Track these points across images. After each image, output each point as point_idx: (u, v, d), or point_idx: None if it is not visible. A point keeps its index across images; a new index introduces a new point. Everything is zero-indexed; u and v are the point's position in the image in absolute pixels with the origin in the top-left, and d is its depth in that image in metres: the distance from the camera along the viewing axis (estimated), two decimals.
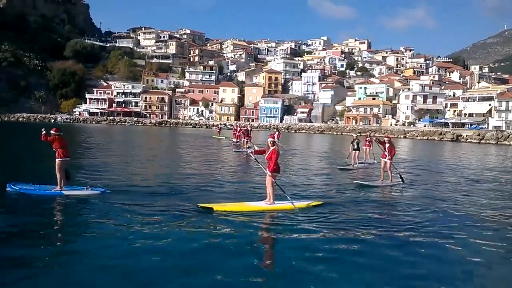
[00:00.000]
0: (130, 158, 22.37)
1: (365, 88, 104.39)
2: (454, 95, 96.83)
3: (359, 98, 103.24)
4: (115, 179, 13.85)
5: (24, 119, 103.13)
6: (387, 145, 15.00)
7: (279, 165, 10.35)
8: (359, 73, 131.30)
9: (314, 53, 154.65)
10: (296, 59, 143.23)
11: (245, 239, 7.66)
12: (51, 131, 10.92)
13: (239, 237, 7.75)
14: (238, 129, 35.51)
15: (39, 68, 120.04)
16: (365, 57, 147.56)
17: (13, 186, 11.23)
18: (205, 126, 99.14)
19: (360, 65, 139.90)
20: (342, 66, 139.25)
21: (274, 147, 10.28)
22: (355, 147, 20.66)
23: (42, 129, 11.07)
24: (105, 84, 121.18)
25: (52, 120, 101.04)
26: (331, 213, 9.82)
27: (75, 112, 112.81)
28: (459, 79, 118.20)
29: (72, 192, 11.06)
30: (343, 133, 78.96)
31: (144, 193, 11.47)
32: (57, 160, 10.97)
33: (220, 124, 72.34)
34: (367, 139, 23.52)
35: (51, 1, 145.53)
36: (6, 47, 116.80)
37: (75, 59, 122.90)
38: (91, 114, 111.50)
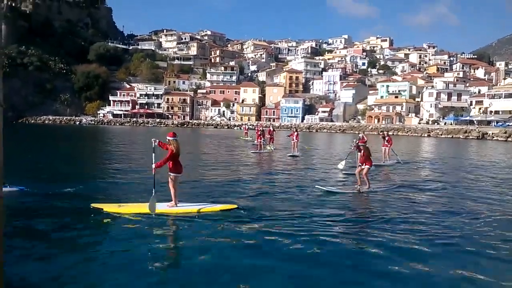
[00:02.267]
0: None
1: (387, 86, 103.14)
2: (479, 92, 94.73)
3: (381, 97, 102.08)
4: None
5: (50, 122, 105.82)
6: (362, 150, 13.83)
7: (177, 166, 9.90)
8: (381, 71, 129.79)
9: (335, 52, 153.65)
10: (317, 58, 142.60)
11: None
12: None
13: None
14: (260, 129, 35.42)
15: (64, 71, 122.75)
16: (387, 55, 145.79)
17: None
18: (226, 127, 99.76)
19: (382, 63, 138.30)
20: (363, 64, 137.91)
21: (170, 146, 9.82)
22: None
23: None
24: (128, 86, 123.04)
25: (77, 122, 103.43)
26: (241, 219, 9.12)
27: (99, 114, 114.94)
28: (484, 75, 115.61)
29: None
30: (365, 132, 78.36)
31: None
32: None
33: (248, 125, 71.48)
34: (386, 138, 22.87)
35: (76, 6, 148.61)
36: (32, 51, 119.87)
37: (99, 62, 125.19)
38: (115, 116, 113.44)
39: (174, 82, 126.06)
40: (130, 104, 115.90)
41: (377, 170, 18.49)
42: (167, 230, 8.42)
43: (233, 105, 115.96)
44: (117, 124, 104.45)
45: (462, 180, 16.39)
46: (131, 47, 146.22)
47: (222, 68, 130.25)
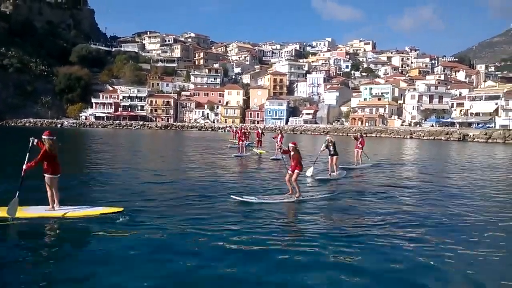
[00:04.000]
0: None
1: (371, 88, 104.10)
2: (460, 94, 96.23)
3: (365, 99, 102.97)
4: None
5: (31, 124, 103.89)
6: (292, 153, 12.27)
7: None
8: (364, 74, 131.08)
9: (319, 55, 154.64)
10: (301, 60, 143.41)
11: None
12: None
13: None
14: (236, 130, 35.07)
15: (46, 73, 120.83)
16: (370, 58, 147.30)
17: None
18: (210, 129, 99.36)
19: (365, 66, 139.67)
20: (347, 67, 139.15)
21: None
22: (332, 151, 17.35)
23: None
24: (111, 88, 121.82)
25: (59, 125, 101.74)
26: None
27: (81, 116, 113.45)
28: (465, 78, 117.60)
29: None
30: (348, 134, 78.76)
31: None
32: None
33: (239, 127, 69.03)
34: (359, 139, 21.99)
35: (57, 7, 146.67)
36: (13, 53, 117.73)
37: (81, 64, 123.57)
38: (97, 118, 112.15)
39: (158, 84, 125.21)
40: (113, 107, 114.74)
41: (348, 174, 17.97)
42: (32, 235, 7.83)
43: (217, 107, 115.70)
44: (100, 126, 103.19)
45: (426, 183, 15.48)
46: (114, 49, 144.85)
47: (206, 70, 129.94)
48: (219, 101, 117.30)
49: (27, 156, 8.95)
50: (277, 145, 26.79)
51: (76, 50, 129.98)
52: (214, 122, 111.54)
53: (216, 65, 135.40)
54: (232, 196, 11.43)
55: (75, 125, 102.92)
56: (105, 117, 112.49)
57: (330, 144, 17.34)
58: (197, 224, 8.61)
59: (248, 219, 9.32)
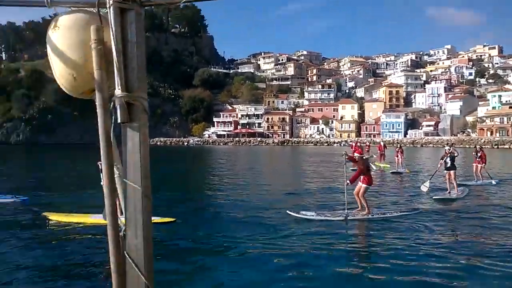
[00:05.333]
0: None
1: (500, 96, 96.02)
2: None
3: (493, 108, 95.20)
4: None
5: (161, 143, 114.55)
6: (359, 163, 11.75)
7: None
8: (491, 81, 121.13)
9: (438, 63, 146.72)
10: (418, 70, 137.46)
11: None
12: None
13: None
14: (351, 145, 35.20)
15: (173, 96, 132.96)
16: (497, 63, 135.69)
17: None
18: (326, 144, 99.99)
19: (491, 72, 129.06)
20: (470, 74, 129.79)
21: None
22: (448, 164, 15.57)
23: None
24: (230, 108, 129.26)
25: (186, 143, 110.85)
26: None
27: (204, 135, 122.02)
28: None
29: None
30: (476, 146, 73.60)
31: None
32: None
33: (358, 140, 67.88)
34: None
35: (181, 36, 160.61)
36: None
37: (203, 87, 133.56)
38: (219, 136, 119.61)
39: (273, 102, 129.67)
40: (233, 125, 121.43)
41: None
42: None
43: (332, 122, 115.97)
44: (221, 144, 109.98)
45: None
46: (231, 71, 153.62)
47: (320, 86, 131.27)
48: (334, 116, 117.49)
49: None
50: (397, 159, 26.29)
51: (198, 74, 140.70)
52: (329, 136, 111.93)
53: (329, 81, 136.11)
54: (288, 211, 11.31)
55: (199, 143, 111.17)
56: (225, 135, 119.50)
57: (447, 155, 15.56)
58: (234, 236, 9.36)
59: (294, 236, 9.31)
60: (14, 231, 9.98)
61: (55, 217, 10.75)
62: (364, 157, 11.97)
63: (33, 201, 14.26)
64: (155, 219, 9.98)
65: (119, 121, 1.39)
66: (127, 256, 1.29)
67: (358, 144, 32.76)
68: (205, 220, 11.29)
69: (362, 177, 11.35)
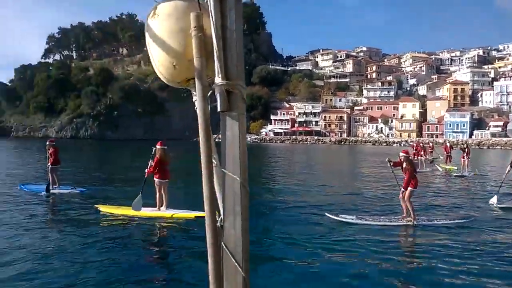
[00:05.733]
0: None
1: None
2: None
3: None
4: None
5: (219, 140, 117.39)
6: (404, 165, 10.93)
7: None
8: None
9: (507, 59, 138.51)
10: (485, 67, 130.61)
11: None
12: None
13: None
14: (412, 145, 34.35)
15: None
16: None
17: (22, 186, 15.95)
18: (385, 144, 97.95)
19: None
20: None
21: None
22: None
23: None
24: (287, 105, 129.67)
25: None
26: None
27: (261, 132, 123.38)
28: None
29: (61, 191, 15.15)
30: None
31: None
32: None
33: (410, 141, 65.66)
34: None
35: None
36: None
37: (261, 84, 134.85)
38: (275, 134, 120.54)
39: (331, 100, 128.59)
40: (290, 123, 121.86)
41: None
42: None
43: (392, 121, 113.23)
44: (278, 141, 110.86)
45: None
46: (289, 68, 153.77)
47: (379, 83, 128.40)
48: (393, 115, 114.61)
49: (149, 163, 11.24)
50: (462, 161, 25.32)
51: (256, 72, 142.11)
52: (388, 136, 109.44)
53: (389, 78, 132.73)
54: (327, 214, 11.12)
55: (257, 140, 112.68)
56: (282, 133, 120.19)
57: None
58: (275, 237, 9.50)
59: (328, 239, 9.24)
60: (66, 219, 11.15)
61: (104, 209, 11.60)
62: (410, 157, 11.12)
63: (91, 192, 15.45)
64: (195, 213, 10.72)
65: (218, 109, 1.36)
66: (224, 247, 1.29)
67: (421, 144, 32.03)
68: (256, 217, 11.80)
69: (404, 179, 10.82)
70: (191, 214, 10.80)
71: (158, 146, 11.29)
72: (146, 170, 11.25)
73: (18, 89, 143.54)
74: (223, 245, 1.30)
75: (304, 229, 10.06)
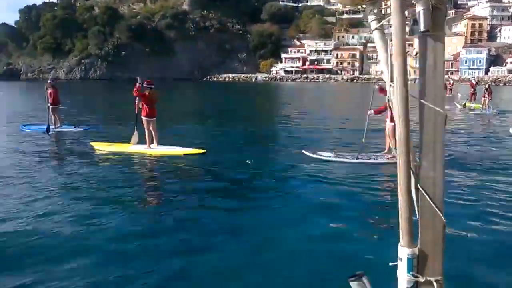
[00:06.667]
0: None
1: None
2: None
3: None
4: None
5: (230, 79, 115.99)
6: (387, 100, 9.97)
7: None
8: None
9: None
10: (505, 1, 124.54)
11: None
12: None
13: None
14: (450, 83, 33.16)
15: (241, 32, 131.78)
16: None
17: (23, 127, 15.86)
18: None
19: None
20: None
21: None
22: None
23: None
24: (298, 43, 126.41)
25: (253, 80, 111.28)
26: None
27: (272, 71, 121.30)
28: None
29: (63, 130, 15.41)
30: None
31: None
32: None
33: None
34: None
35: None
36: (213, 15, 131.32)
37: (271, 21, 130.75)
38: (286, 72, 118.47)
39: (343, 37, 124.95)
40: (301, 61, 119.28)
41: None
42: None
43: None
44: (289, 80, 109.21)
45: None
46: (300, 4, 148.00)
47: None
48: (408, 52, 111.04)
49: (136, 101, 11.34)
50: (483, 100, 24.25)
51: (266, 8, 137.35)
52: None
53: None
54: (303, 151, 10.57)
55: (267, 79, 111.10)
56: (293, 71, 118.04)
57: None
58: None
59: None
60: (60, 156, 11.68)
61: (99, 146, 11.78)
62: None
63: (93, 131, 15.60)
64: (184, 150, 11.05)
65: (421, 29, 1.18)
66: (421, 191, 1.15)
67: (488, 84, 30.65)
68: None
69: (389, 113, 9.74)
70: (180, 151, 11.02)
71: (145, 85, 11.22)
72: (135, 105, 11.50)
73: (24, 30, 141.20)
74: (420, 188, 1.15)
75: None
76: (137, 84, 11.16)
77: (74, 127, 15.93)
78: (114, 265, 4.75)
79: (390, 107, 9.27)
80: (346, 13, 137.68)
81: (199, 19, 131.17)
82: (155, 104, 11.39)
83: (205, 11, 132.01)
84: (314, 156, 10.16)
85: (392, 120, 9.30)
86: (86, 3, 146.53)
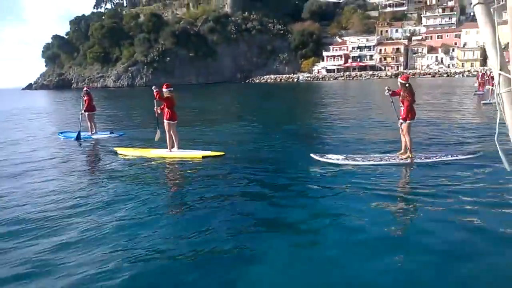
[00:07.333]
0: None
1: None
2: None
3: None
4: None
5: (272, 80, 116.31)
6: (402, 93, 9.61)
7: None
8: None
9: None
10: None
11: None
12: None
13: None
14: (477, 75, 31.79)
15: (282, 32, 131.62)
16: None
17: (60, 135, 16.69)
18: (446, 75, 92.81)
19: None
20: None
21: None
22: None
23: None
24: (340, 40, 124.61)
25: (295, 79, 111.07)
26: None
27: (313, 70, 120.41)
28: None
29: (99, 136, 15.86)
30: None
31: None
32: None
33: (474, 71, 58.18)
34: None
35: None
36: (254, 16, 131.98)
37: (312, 19, 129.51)
38: (328, 71, 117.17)
39: (387, 31, 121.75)
40: (343, 58, 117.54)
41: None
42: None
43: (453, 50, 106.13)
44: (331, 79, 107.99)
45: None
46: (341, 0, 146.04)
47: (440, 10, 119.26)
48: (455, 43, 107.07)
49: (155, 103, 11.79)
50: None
51: (307, 6, 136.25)
52: (449, 67, 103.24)
53: (451, 3, 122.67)
54: (312, 155, 10.19)
55: (309, 78, 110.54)
56: (335, 70, 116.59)
57: None
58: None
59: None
60: (84, 162, 12.19)
61: (122, 150, 12.36)
62: (407, 85, 9.43)
63: (129, 136, 16.11)
64: (202, 153, 11.33)
65: None
66: None
67: (487, 73, 29.44)
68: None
69: (404, 110, 9.51)
70: (199, 154, 11.26)
71: (164, 89, 11.62)
72: (155, 110, 11.96)
73: (74, 41, 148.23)
74: None
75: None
76: (156, 90, 11.58)
77: (110, 133, 16.35)
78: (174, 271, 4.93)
79: (403, 100, 9.47)
80: (389, 6, 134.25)
81: (241, 21, 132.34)
82: (174, 107, 11.82)
83: (246, 13, 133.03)
84: (323, 160, 9.89)
85: (405, 118, 9.37)
86: (132, 10, 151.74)
